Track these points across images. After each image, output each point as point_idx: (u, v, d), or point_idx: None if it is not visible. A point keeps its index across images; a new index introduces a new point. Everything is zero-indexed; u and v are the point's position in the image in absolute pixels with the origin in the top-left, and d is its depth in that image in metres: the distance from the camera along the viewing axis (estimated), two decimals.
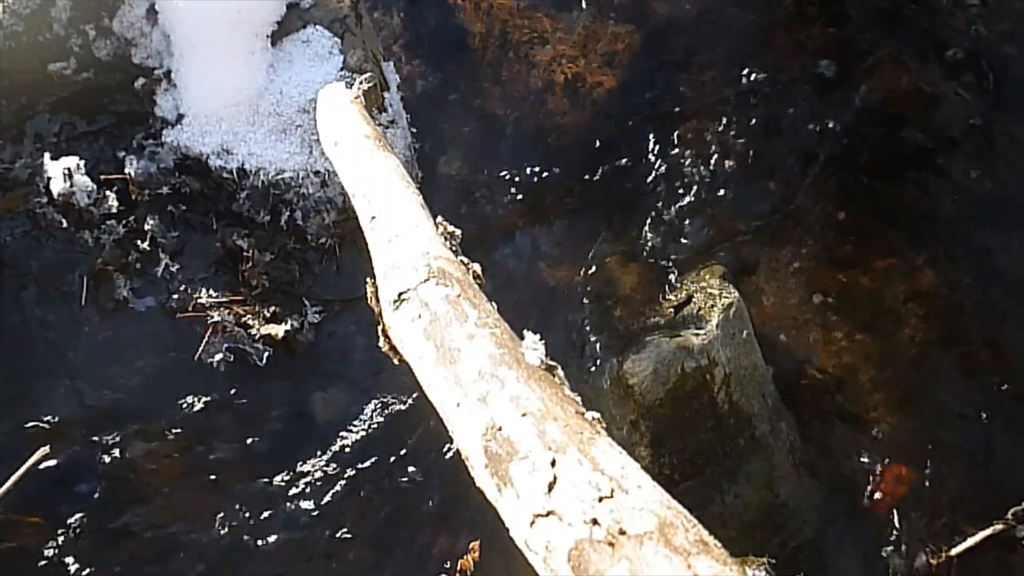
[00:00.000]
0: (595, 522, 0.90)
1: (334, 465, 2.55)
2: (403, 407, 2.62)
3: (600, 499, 0.92)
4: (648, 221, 3.07)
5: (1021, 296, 3.01)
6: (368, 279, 1.60)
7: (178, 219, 2.81)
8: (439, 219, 1.65)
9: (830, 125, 3.30)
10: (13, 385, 2.51)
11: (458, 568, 2.35)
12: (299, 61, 2.92)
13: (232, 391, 2.61)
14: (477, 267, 1.51)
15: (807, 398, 2.79)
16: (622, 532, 0.88)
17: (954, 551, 2.54)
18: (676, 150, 3.22)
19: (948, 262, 3.06)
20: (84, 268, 2.69)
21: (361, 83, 2.41)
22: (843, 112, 3.33)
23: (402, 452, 2.58)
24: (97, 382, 2.57)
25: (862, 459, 2.73)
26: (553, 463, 1.00)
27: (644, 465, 2.48)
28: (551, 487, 0.98)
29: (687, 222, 3.08)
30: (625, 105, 3.33)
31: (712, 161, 3.21)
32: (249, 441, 2.56)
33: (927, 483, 2.68)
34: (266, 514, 2.47)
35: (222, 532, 2.44)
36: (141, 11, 2.92)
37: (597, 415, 1.09)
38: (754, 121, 3.30)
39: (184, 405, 2.58)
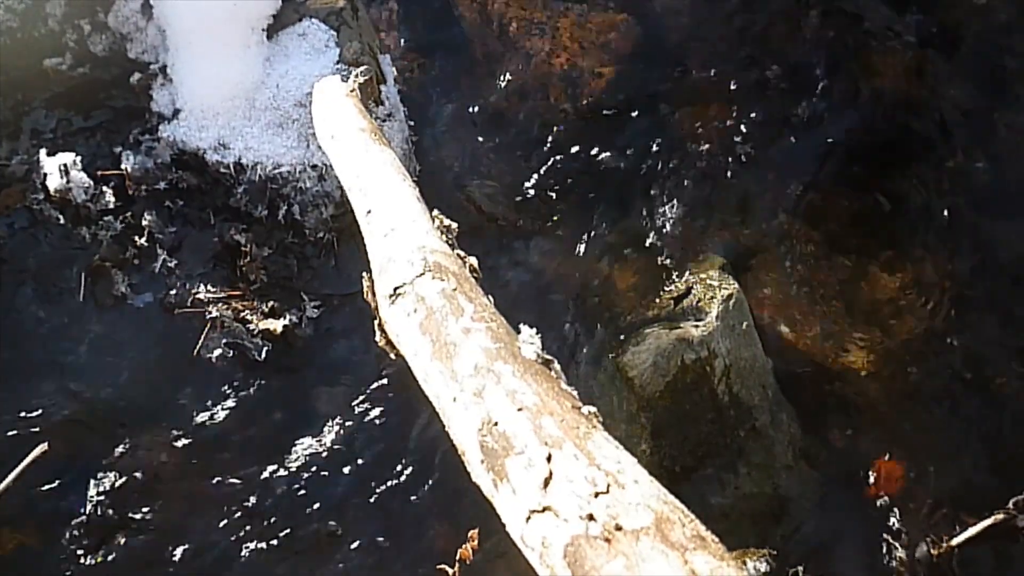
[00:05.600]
0: (591, 518, 0.90)
1: (333, 459, 2.55)
2: (400, 401, 2.62)
3: (596, 494, 0.92)
4: (647, 213, 3.06)
5: (1022, 287, 3.00)
6: (364, 273, 1.59)
7: (175, 214, 2.81)
8: (436, 212, 1.64)
9: (830, 116, 3.28)
10: (11, 382, 2.51)
11: (458, 557, 2.35)
12: (295, 54, 2.91)
13: (231, 386, 2.61)
14: (473, 261, 1.51)
15: (807, 389, 2.78)
16: (618, 528, 0.88)
17: (955, 541, 2.53)
18: (675, 142, 3.21)
19: (949, 253, 3.05)
20: (82, 264, 2.69)
21: (357, 76, 2.39)
22: (843, 103, 3.32)
23: (400, 446, 2.57)
24: (96, 378, 2.57)
25: (863, 450, 2.73)
26: (549, 458, 0.99)
27: (644, 458, 2.48)
28: (547, 482, 0.97)
29: (686, 213, 3.07)
30: (623, 96, 3.31)
31: (711, 152, 3.20)
32: (248, 436, 2.56)
33: (928, 473, 2.68)
34: (265, 508, 2.47)
35: (221, 526, 2.44)
36: (136, 6, 2.91)
37: (594, 409, 1.08)
38: (753, 112, 3.29)
39: (183, 400, 2.57)
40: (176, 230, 2.78)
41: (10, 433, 2.43)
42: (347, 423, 2.60)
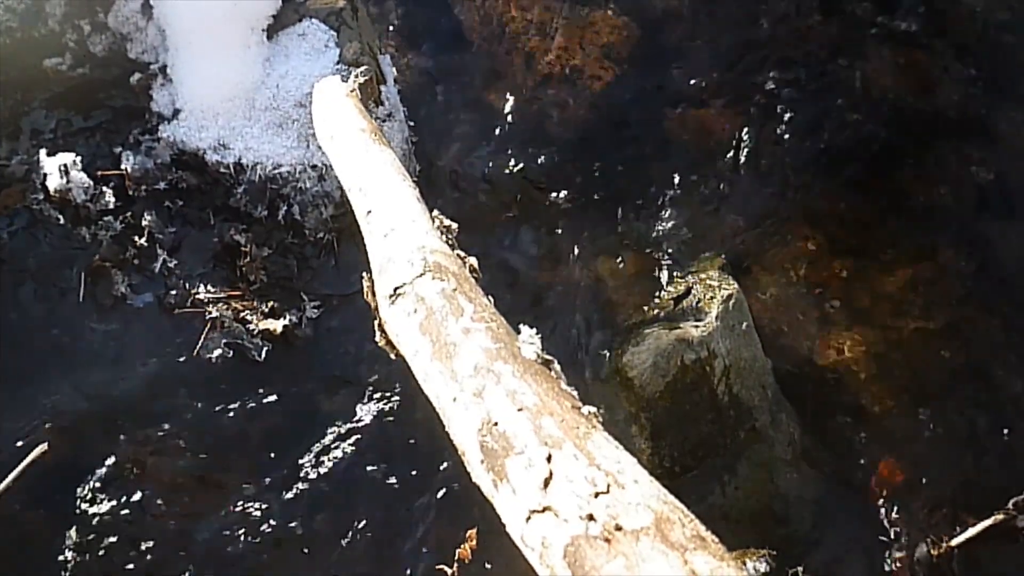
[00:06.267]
0: (591, 518, 0.90)
1: (333, 459, 2.55)
2: (401, 401, 2.62)
3: (596, 494, 0.92)
4: (647, 213, 3.06)
5: (1022, 286, 3.00)
6: (364, 273, 1.59)
7: (175, 214, 2.81)
8: (435, 213, 1.64)
9: (830, 115, 3.28)
10: (11, 382, 2.51)
11: (456, 557, 2.35)
12: (295, 55, 2.91)
13: (231, 386, 2.61)
14: (473, 261, 1.50)
15: (807, 389, 2.78)
16: (618, 528, 0.87)
17: (955, 541, 2.53)
18: (674, 142, 3.21)
19: (949, 252, 3.05)
20: (82, 264, 2.68)
21: (357, 76, 2.39)
22: (843, 102, 3.32)
23: (400, 445, 2.57)
24: (96, 378, 2.57)
25: (862, 450, 2.73)
26: (549, 458, 0.99)
27: (644, 458, 2.48)
28: (547, 483, 0.97)
29: (686, 213, 3.07)
30: (624, 97, 3.31)
31: (711, 152, 3.20)
32: (248, 436, 2.55)
33: (927, 473, 2.68)
34: (265, 507, 2.47)
35: (220, 526, 2.43)
36: (136, 6, 2.91)
37: (593, 409, 1.08)
38: (753, 112, 3.29)
39: (183, 401, 2.57)
40: (176, 230, 2.78)
41: (10, 433, 2.43)
42: (347, 423, 2.60)
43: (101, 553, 2.35)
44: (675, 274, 2.90)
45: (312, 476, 2.53)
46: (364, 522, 2.48)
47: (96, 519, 2.38)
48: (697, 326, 2.60)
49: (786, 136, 3.24)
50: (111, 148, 2.85)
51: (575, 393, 1.13)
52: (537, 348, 1.20)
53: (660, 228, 3.02)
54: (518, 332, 1.24)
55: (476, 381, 1.17)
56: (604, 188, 3.11)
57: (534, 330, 1.23)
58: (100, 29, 2.93)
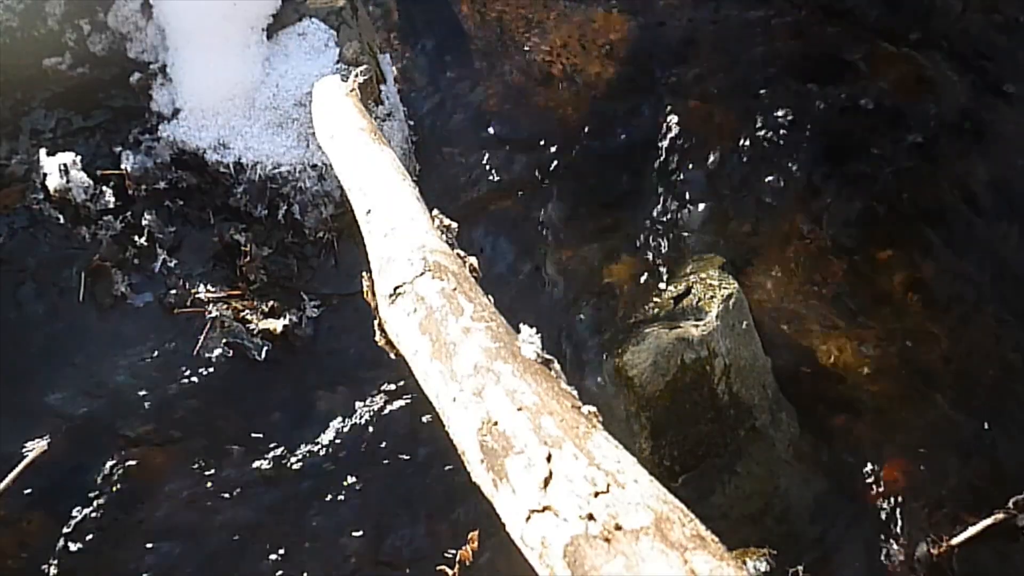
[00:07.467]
0: (591, 517, 0.90)
1: (333, 459, 2.55)
2: (401, 401, 2.62)
3: (596, 494, 0.92)
4: (647, 212, 3.06)
5: (1021, 286, 3.00)
6: (364, 273, 1.59)
7: (175, 214, 2.81)
8: (435, 212, 1.64)
9: (829, 116, 3.28)
10: (11, 381, 2.51)
11: (457, 559, 2.35)
12: (295, 54, 2.91)
13: (231, 386, 2.61)
14: (473, 260, 1.50)
15: (807, 389, 2.78)
16: (618, 527, 0.87)
17: (955, 540, 2.53)
18: (675, 141, 3.21)
19: (948, 252, 3.05)
20: (81, 264, 2.69)
21: (357, 76, 2.39)
22: (842, 103, 3.31)
23: (401, 445, 2.57)
24: (95, 378, 2.57)
25: (863, 449, 2.72)
26: (549, 458, 0.99)
27: (644, 457, 2.48)
28: (547, 482, 0.97)
29: (686, 213, 3.07)
30: (623, 96, 3.31)
31: (711, 152, 3.20)
32: (248, 436, 2.56)
33: (928, 472, 2.68)
34: (265, 508, 2.47)
35: (220, 526, 2.43)
36: (136, 5, 2.91)
37: (593, 409, 1.08)
38: (753, 112, 3.29)
39: (182, 400, 2.57)
40: (176, 230, 2.78)
41: (10, 433, 2.43)
42: (347, 423, 2.60)
43: (101, 553, 2.35)
44: (675, 274, 2.90)
45: (312, 476, 2.53)
46: (365, 522, 2.48)
47: (95, 519, 2.38)
48: (697, 325, 2.60)
49: (786, 135, 3.23)
50: (111, 148, 2.85)
51: (575, 392, 1.13)
52: (537, 347, 1.20)
53: (660, 227, 3.02)
54: (518, 331, 1.24)
55: (476, 380, 1.17)
56: (604, 187, 3.11)
57: (534, 329, 1.23)
58: (100, 29, 2.93)
